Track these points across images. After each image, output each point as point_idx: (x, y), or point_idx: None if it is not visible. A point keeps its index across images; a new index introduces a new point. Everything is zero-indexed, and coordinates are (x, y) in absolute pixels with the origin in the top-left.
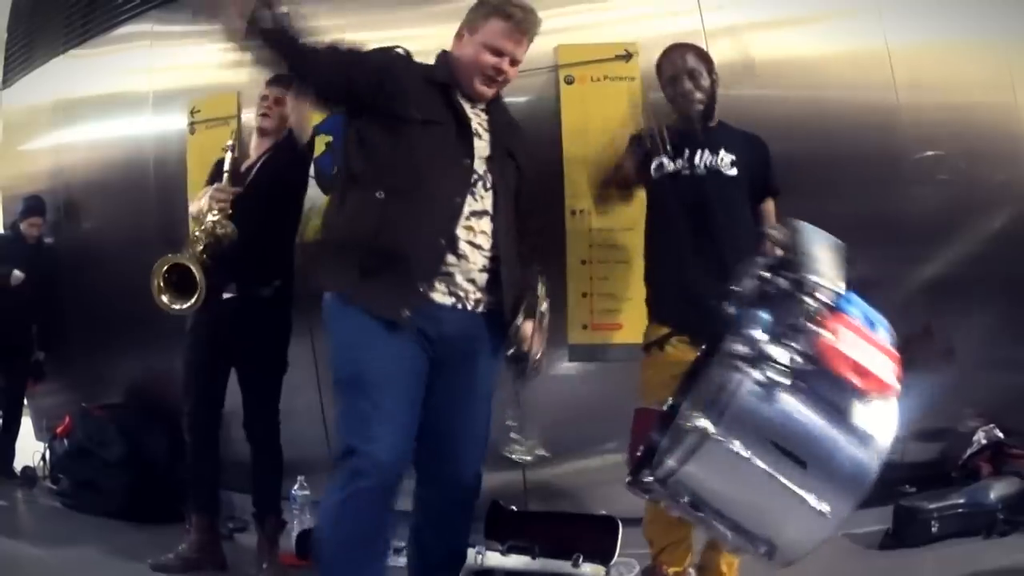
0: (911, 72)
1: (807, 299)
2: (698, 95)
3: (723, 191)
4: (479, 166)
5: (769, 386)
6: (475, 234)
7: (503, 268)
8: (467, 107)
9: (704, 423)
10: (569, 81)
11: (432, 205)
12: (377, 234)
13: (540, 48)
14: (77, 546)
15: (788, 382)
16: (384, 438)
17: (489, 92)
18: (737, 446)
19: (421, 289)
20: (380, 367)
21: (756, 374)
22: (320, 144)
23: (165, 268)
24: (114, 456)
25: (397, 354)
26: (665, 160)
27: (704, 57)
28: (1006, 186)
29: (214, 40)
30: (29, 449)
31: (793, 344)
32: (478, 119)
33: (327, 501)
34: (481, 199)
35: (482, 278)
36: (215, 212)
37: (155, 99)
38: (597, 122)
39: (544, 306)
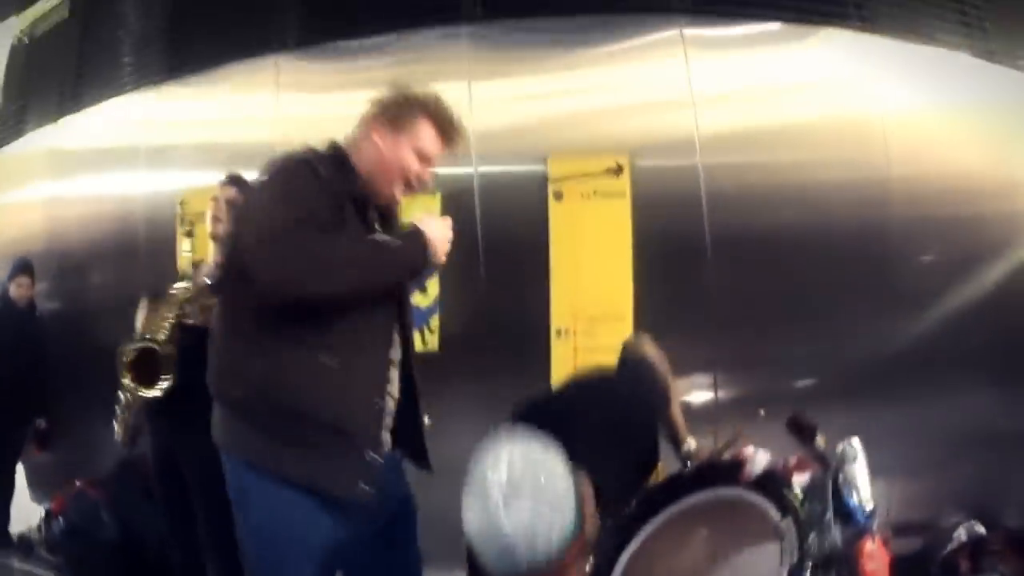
0: (903, 139)
1: (856, 521)
2: None
3: None
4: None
5: None
6: (392, 384)
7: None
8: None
9: None
10: (558, 197)
11: (371, 364)
12: (325, 403)
13: (528, 150)
14: None
15: None
16: None
17: (400, 200)
18: None
19: (368, 459)
20: (306, 549)
21: None
22: None
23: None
24: (108, 537)
25: (327, 531)
26: None
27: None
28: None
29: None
30: (25, 508)
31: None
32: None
33: None
34: (395, 344)
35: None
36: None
37: (148, 157)
38: (586, 242)
39: None
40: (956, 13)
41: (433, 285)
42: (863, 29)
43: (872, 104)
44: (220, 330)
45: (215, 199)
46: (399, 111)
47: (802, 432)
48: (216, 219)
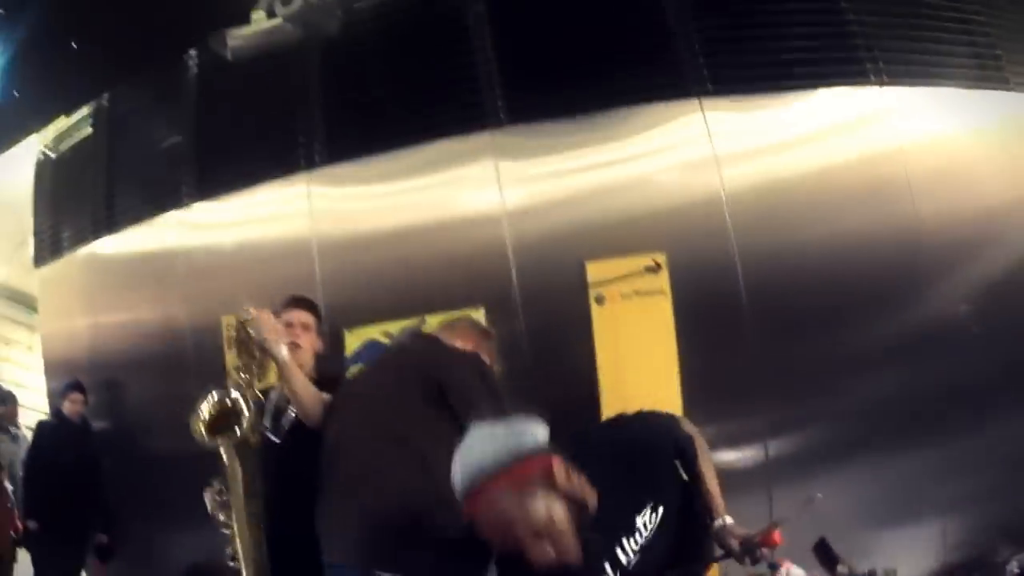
0: (925, 172)
1: None
2: None
3: None
4: None
5: None
6: None
7: None
8: None
9: None
10: (600, 301)
11: None
12: None
13: (568, 260)
14: None
15: None
16: None
17: None
18: None
19: None
20: None
21: None
22: None
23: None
24: None
25: None
26: None
27: None
28: None
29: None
30: None
31: None
32: None
33: None
34: None
35: None
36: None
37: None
38: (631, 342)
39: None
40: (967, 47)
41: None
42: (881, 83)
43: (890, 140)
44: (410, 472)
45: (288, 323)
46: (479, 334)
47: (827, 560)
48: (294, 345)
